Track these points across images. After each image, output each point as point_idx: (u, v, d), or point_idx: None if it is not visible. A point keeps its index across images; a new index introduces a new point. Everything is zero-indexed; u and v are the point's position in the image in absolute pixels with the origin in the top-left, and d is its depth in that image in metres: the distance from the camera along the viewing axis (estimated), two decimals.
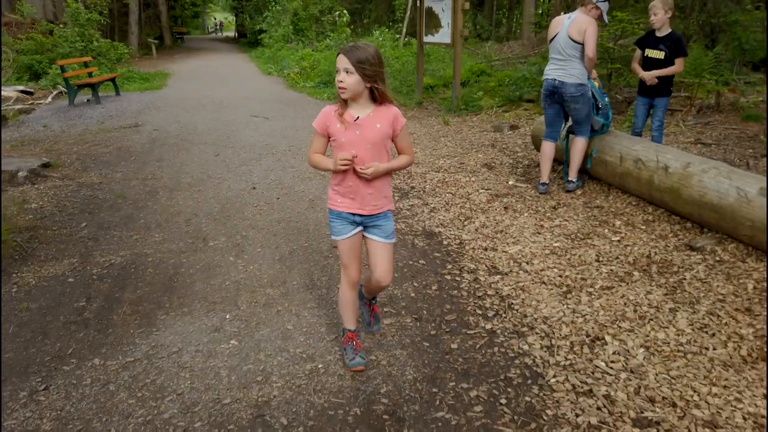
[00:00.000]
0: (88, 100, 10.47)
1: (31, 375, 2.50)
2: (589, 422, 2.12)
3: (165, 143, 7.11)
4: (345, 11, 16.74)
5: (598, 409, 2.19)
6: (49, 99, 11.03)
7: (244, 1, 30.51)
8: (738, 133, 6.28)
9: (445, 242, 3.94)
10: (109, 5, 17.90)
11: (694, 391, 2.26)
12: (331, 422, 2.16)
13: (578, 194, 4.73)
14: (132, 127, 8.16)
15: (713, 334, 2.63)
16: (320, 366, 2.52)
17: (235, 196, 4.97)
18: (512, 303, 3.04)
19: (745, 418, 2.10)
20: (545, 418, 2.15)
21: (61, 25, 14.23)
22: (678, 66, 4.70)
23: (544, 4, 22.37)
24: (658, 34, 4.82)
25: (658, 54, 4.84)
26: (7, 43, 13.34)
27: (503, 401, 2.26)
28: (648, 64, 4.87)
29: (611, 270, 3.35)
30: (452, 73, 9.37)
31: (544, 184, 4.83)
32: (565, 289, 3.17)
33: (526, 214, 4.35)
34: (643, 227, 3.95)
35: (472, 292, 3.21)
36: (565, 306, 2.97)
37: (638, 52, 4.98)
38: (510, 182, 5.19)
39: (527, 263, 3.52)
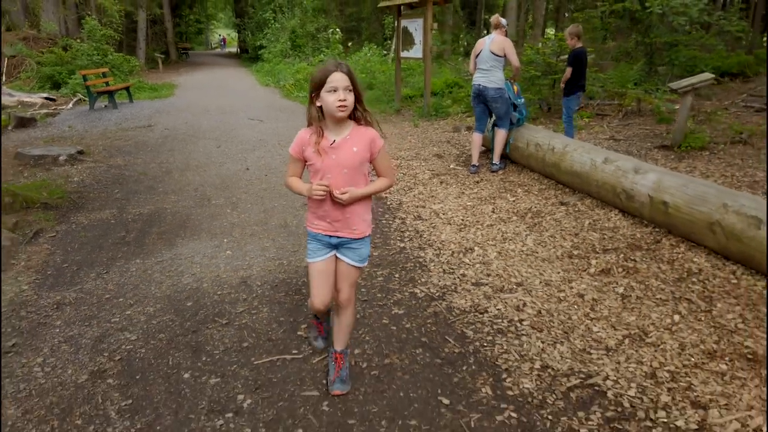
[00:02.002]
0: (105, 106, 11.89)
1: (95, 266, 3.84)
2: (445, 283, 3.46)
3: (175, 138, 8.49)
4: (338, 29, 18.25)
5: (454, 279, 3.54)
6: (71, 105, 12.45)
7: (246, 19, 32.18)
8: (647, 133, 7.66)
9: (388, 203, 5.29)
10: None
11: (517, 271, 3.60)
12: (288, 284, 3.50)
13: (500, 174, 6.09)
14: (146, 127, 9.55)
15: (546, 246, 3.99)
16: (284, 263, 3.86)
17: (232, 174, 6.33)
18: (423, 234, 4.39)
19: (540, 282, 3.44)
20: (419, 282, 3.50)
21: (78, 40, 15.71)
22: (567, 73, 6.16)
23: (527, 23, 23.95)
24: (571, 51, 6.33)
25: (565, 67, 6.33)
26: (30, 55, 14.81)
27: (396, 276, 3.60)
28: None
29: (499, 216, 4.70)
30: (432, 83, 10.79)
31: (474, 165, 6.20)
32: (462, 226, 4.52)
33: (454, 186, 5.71)
34: (536, 193, 5.31)
35: (397, 228, 4.56)
36: (458, 235, 4.32)
37: None
38: (451, 166, 6.55)
39: (443, 214, 4.87)
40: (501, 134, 6.08)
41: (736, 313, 2.93)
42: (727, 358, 2.57)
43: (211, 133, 8.93)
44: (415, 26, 10.46)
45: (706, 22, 10.52)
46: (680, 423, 2.18)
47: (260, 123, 9.96)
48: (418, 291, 3.37)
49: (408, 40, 10.84)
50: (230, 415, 2.30)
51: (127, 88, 12.67)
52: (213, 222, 4.74)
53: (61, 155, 6.83)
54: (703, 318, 2.91)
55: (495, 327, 2.94)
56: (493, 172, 6.15)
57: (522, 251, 3.92)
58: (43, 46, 16.71)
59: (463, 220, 4.67)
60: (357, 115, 2.15)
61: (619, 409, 2.28)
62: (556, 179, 5.42)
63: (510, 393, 2.41)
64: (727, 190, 3.66)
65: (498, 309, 3.12)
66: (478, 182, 5.81)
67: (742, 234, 3.29)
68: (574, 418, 2.24)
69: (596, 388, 2.42)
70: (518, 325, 2.95)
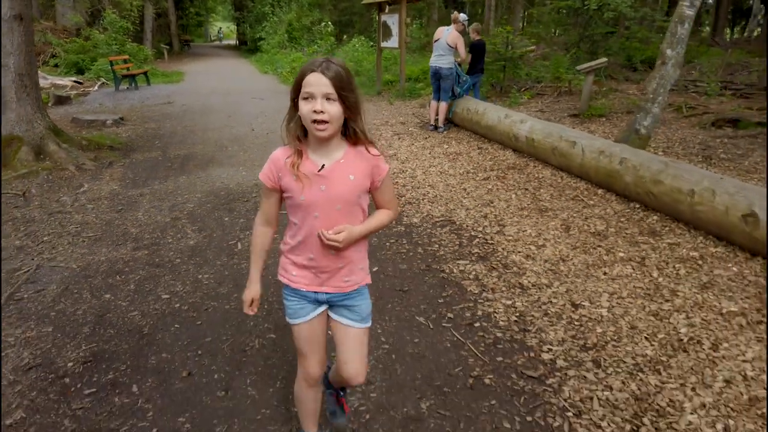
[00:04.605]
0: (127, 88, 13.83)
1: (157, 179, 5.84)
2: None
3: (193, 111, 10.47)
4: (329, 22, 20.19)
5: (397, 187, 5.54)
6: (96, 87, 14.38)
7: (246, 12, 34.02)
8: (569, 107, 9.65)
9: None
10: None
11: (431, 180, 5.61)
12: None
13: (445, 134, 8.08)
14: (167, 104, 11.51)
15: (455, 169, 6.00)
16: None
17: (241, 133, 8.33)
18: None
19: (443, 185, 5.45)
20: None
21: (97, 31, 17.63)
22: (468, 58, 8.17)
23: (503, 17, 25.89)
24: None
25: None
26: (59, 44, 16.73)
27: None
28: None
29: (432, 156, 6.71)
30: (407, 70, 12.78)
31: (432, 125, 8.21)
32: (404, 161, 6.52)
33: (408, 140, 7.71)
34: (465, 143, 7.32)
35: None
36: (400, 165, 6.33)
37: None
38: (410, 129, 8.55)
39: (394, 155, 6.87)
40: (443, 105, 8.08)
41: (549, 193, 4.96)
42: (530, 210, 4.60)
43: (221, 108, 10.91)
44: (392, 21, 12.39)
45: (637, 18, 12.50)
46: (488, 231, 4.21)
47: (261, 101, 11.94)
48: None
49: (387, 33, 12.78)
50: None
51: (145, 73, 14.61)
52: (231, 159, 6.74)
53: (108, 120, 8.81)
54: (528, 196, 4.94)
55: (406, 202, 4.96)
56: (439, 132, 8.15)
57: (439, 172, 5.95)
58: (60, 36, 18.59)
59: (406, 158, 6.68)
60: (350, 134, 1.61)
61: (459, 227, 4.31)
62: (479, 133, 7.43)
63: (404, 223, 4.43)
64: (566, 128, 5.68)
65: (411, 195, 5.14)
66: (426, 138, 7.81)
67: (566, 152, 5.31)
68: (433, 230, 4.26)
69: (451, 221, 4.44)
70: (420, 201, 4.97)
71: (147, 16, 25.77)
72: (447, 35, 7.86)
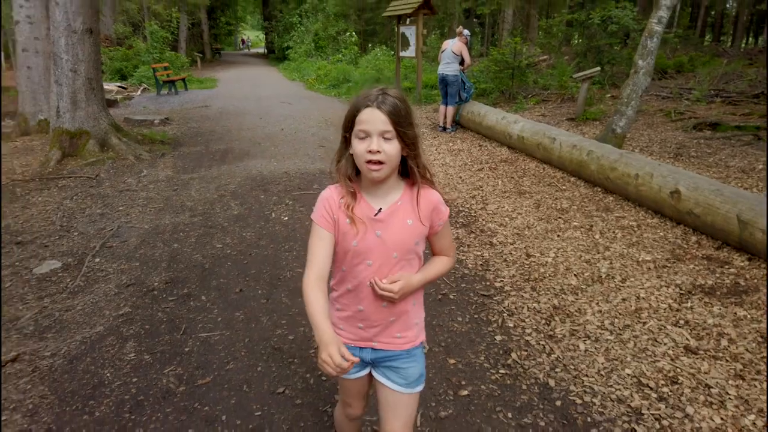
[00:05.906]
0: (168, 92, 15.14)
1: (203, 167, 6.94)
2: None
3: (228, 114, 11.64)
4: (354, 33, 21.36)
5: None
6: (139, 92, 15.73)
7: (275, 22, 35.51)
8: (568, 112, 10.54)
9: None
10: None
11: (435, 171, 6.59)
12: (307, 175, 6.55)
13: (452, 135, 9.06)
14: (204, 107, 12.73)
15: (455, 162, 6.97)
16: (306, 169, 6.91)
17: (272, 132, 9.43)
18: None
19: (443, 174, 6.43)
20: None
21: (139, 41, 19.10)
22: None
23: (518, 29, 26.76)
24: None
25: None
26: (104, 52, 18.21)
27: None
28: None
29: (438, 152, 7.69)
30: (425, 78, 13.82)
31: (441, 126, 9.20)
32: None
33: None
34: (468, 142, 8.29)
35: None
36: None
37: None
38: (421, 130, 9.52)
39: None
40: (450, 109, 9.07)
41: (530, 180, 5.90)
42: (511, 193, 5.55)
43: (253, 111, 12.07)
44: (410, 32, 13.43)
45: (640, 30, 13.29)
46: (473, 207, 5.17)
47: (289, 105, 13.08)
48: None
49: (405, 43, 13.83)
50: (283, 205, 5.36)
51: (183, 79, 15.92)
52: (264, 152, 7.83)
53: (155, 120, 10.02)
54: (512, 183, 5.89)
55: None
56: (447, 133, 9.14)
57: (441, 164, 6.93)
58: (103, 45, 20.12)
59: None
60: (410, 173, 1.45)
61: (450, 205, 5.28)
62: (481, 133, 8.40)
63: None
64: (551, 127, 6.62)
65: None
66: (435, 138, 8.81)
67: (548, 147, 6.25)
68: None
69: (448, 202, 5.42)
70: None
71: (181, 26, 27.34)
72: (452, 45, 8.86)
